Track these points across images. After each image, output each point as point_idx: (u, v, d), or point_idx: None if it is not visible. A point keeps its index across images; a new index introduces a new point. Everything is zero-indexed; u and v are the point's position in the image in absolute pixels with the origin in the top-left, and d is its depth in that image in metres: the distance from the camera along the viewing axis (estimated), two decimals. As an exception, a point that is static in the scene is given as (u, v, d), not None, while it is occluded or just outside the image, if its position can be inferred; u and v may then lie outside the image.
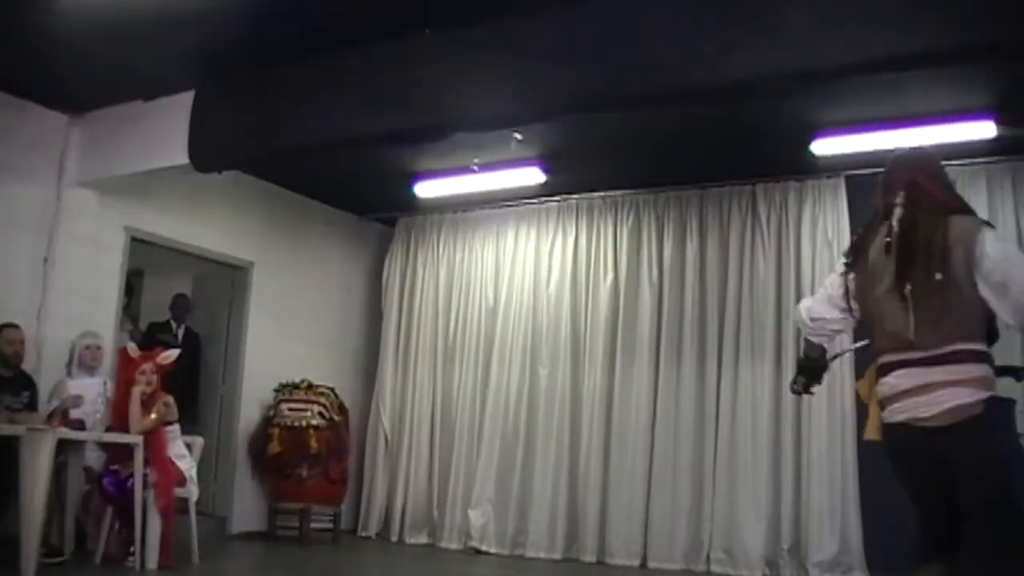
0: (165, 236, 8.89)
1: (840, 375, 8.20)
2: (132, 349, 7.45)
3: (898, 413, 3.58)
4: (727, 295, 8.88)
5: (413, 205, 10.10)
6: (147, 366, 7.24)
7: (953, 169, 7.93)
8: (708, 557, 8.51)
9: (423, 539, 9.85)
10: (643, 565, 8.65)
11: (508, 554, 9.16)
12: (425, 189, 9.44)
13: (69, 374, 7.56)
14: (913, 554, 3.76)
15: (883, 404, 3.66)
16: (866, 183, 8.30)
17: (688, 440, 8.75)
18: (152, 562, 6.80)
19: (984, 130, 7.31)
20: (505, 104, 6.36)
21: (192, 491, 7.38)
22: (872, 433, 3.84)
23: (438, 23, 6.25)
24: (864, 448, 8.02)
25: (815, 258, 8.51)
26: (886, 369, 3.63)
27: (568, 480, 9.18)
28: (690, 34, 5.68)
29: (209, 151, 7.43)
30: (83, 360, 7.56)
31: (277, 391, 9.54)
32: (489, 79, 6.25)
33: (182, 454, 7.39)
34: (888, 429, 3.68)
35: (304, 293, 10.19)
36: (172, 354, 7.58)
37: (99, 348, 7.68)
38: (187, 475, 7.35)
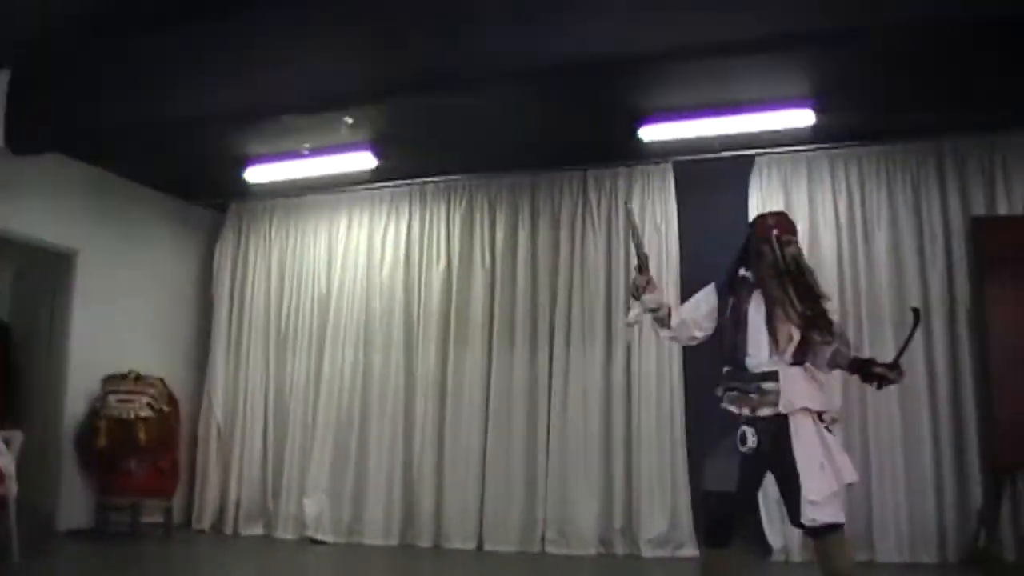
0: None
1: (669, 356, 8.45)
2: None
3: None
4: (559, 280, 9.02)
5: (244, 191, 9.89)
6: None
7: (776, 157, 8.35)
8: (543, 538, 8.64)
9: (259, 530, 9.69)
10: (479, 548, 8.71)
11: (344, 542, 9.11)
12: (256, 174, 9.26)
13: None
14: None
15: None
16: (693, 169, 8.65)
17: (521, 424, 8.85)
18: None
19: (803, 118, 7.61)
20: (332, 83, 6.34)
21: (11, 488, 7.10)
22: None
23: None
24: (691, 425, 8.35)
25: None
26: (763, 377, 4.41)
27: (403, 466, 9.16)
28: (517, 13, 5.76)
29: (26, 132, 7.18)
30: None
31: (104, 382, 9.27)
32: (316, 58, 6.22)
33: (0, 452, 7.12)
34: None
35: (132, 282, 9.87)
36: None
37: None
38: (4, 472, 7.08)
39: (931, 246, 8.04)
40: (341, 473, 9.36)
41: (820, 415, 4.39)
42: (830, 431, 4.42)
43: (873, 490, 7.74)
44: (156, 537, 9.10)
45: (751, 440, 4.37)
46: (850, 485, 4.40)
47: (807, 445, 4.27)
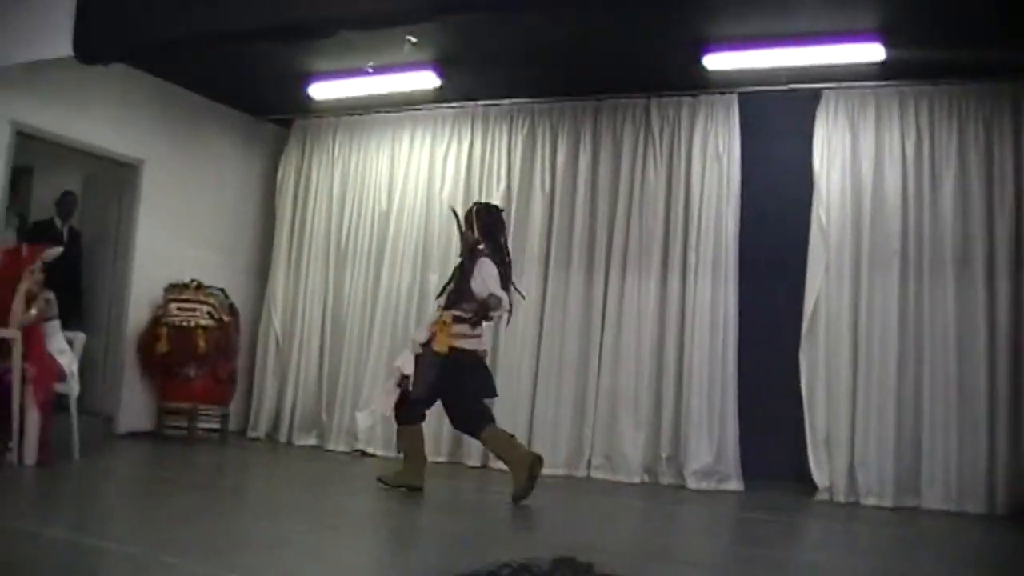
0: (53, 131, 8.65)
1: (725, 288, 8.41)
2: (24, 247, 7.34)
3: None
4: (617, 208, 8.96)
5: (308, 107, 9.96)
6: (34, 264, 7.14)
7: (843, 92, 8.17)
8: (589, 463, 8.72)
9: (311, 441, 9.91)
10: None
11: (394, 456, 9.23)
12: (320, 90, 9.31)
13: None
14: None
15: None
16: (758, 101, 8.51)
17: (574, 348, 8.88)
18: (30, 458, 6.75)
19: (873, 52, 7.41)
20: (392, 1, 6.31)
21: (73, 387, 7.30)
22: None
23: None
24: (744, 358, 8.33)
25: (705, 173, 8.63)
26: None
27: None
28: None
29: (95, 42, 7.23)
30: None
31: (166, 291, 9.44)
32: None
33: (62, 349, 7.30)
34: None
35: (196, 193, 10.01)
36: (56, 251, 7.48)
37: None
38: (67, 370, 7.27)
39: (1000, 190, 7.81)
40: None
41: None
42: None
43: (924, 437, 7.68)
44: (212, 442, 9.35)
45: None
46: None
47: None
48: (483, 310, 6.71)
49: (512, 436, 6.94)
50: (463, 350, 6.76)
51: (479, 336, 6.95)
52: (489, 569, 1.23)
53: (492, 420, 6.90)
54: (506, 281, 6.90)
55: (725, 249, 8.48)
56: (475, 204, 7.37)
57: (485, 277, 6.71)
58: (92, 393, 8.58)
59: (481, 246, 6.90)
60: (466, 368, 6.81)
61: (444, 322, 6.74)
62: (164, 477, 7.75)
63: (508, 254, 7.15)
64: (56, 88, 8.45)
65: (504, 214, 7.45)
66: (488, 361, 8.07)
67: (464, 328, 6.76)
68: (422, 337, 6.92)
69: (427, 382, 6.66)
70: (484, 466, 8.81)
